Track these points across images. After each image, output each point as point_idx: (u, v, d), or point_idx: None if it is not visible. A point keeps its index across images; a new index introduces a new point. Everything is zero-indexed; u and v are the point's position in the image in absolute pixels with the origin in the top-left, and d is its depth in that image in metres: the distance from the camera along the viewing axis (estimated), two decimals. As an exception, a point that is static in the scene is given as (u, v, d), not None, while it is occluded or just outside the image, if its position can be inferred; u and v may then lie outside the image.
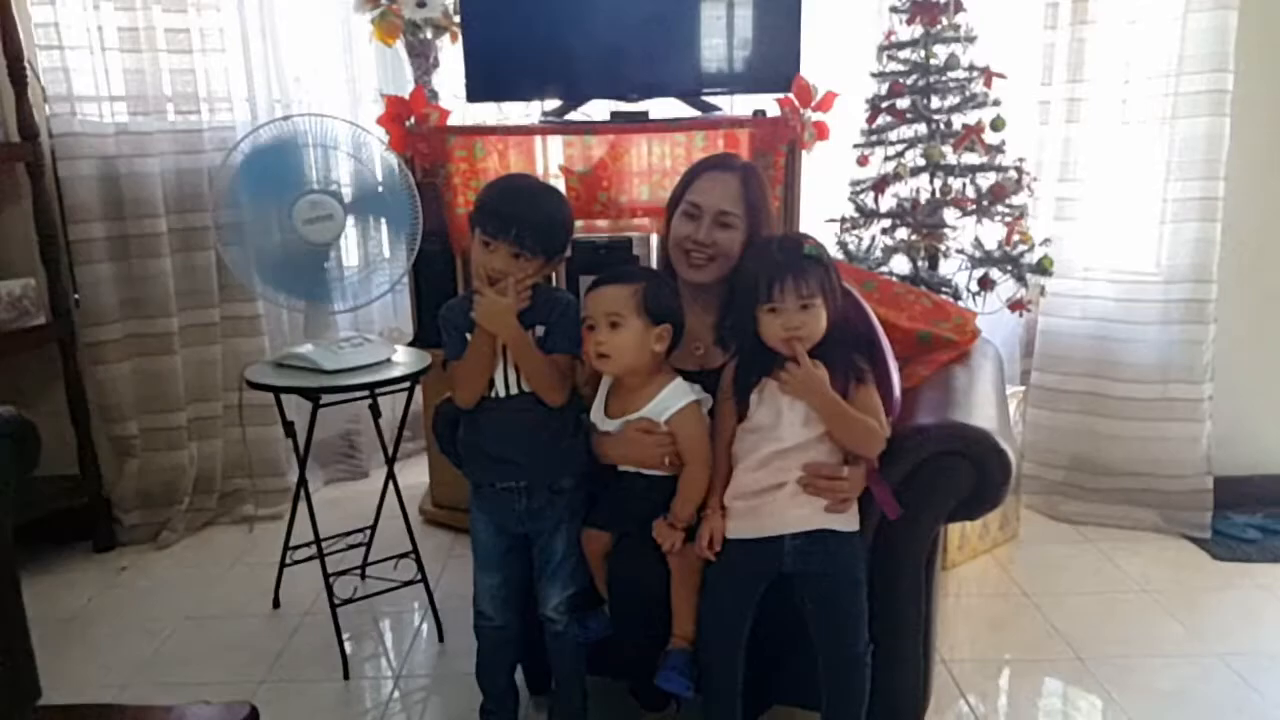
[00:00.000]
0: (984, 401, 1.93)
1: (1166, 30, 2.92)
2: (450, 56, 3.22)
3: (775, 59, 2.90)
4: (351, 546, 2.79)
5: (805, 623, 1.71)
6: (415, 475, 3.52)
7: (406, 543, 2.57)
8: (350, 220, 2.35)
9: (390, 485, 2.62)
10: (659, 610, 1.78)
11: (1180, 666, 2.31)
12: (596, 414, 1.84)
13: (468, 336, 1.80)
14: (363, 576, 2.73)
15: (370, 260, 2.40)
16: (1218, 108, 2.87)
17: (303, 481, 2.45)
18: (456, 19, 3.10)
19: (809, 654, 1.71)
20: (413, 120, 2.93)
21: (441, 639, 2.53)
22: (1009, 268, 2.80)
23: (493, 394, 1.82)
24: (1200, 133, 2.90)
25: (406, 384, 2.41)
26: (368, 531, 2.80)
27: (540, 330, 1.78)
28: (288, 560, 2.67)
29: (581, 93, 3.05)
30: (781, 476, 1.70)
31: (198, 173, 3.09)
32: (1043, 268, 2.79)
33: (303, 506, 2.45)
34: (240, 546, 3.13)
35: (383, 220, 2.38)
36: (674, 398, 1.76)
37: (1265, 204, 3.02)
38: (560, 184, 2.87)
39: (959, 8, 2.82)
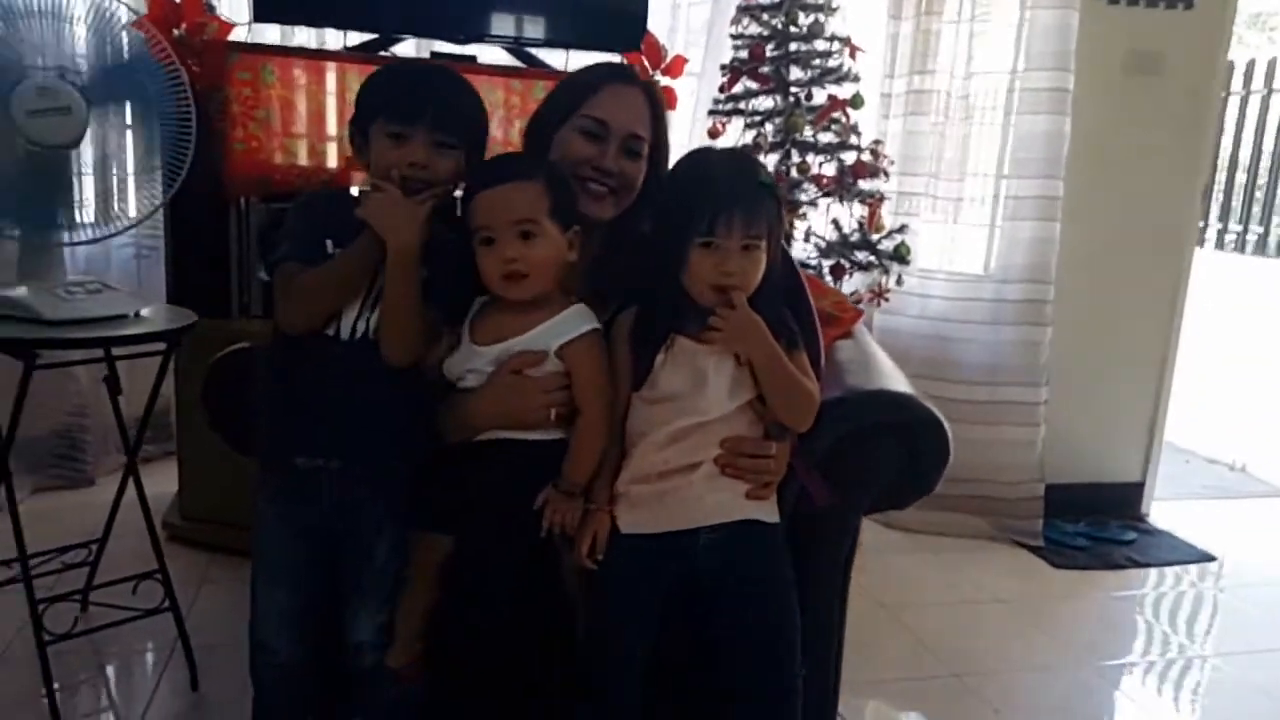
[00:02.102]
0: (892, 374, 1.66)
1: (1010, 27, 2.87)
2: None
3: (622, 13, 2.57)
4: (70, 567, 2.13)
5: (717, 642, 1.34)
6: (158, 484, 2.84)
7: (143, 564, 1.98)
8: (91, 121, 1.75)
9: (129, 484, 2.01)
10: (530, 649, 1.36)
11: (1059, 681, 2.17)
12: (460, 354, 1.38)
13: (329, 244, 1.33)
14: (84, 605, 2.08)
15: (117, 177, 1.81)
16: (1058, 106, 2.84)
17: (4, 474, 1.80)
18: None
19: (724, 683, 1.33)
20: (183, 29, 2.34)
21: (195, 686, 1.96)
22: (866, 254, 2.59)
23: (331, 332, 1.34)
24: (1040, 130, 2.86)
25: (161, 345, 1.84)
26: (93, 548, 2.15)
27: (422, 273, 1.33)
28: (-23, 585, 1.98)
29: (396, 25, 2.58)
30: (696, 455, 1.32)
31: None
32: (900, 255, 2.62)
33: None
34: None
35: (134, 117, 1.79)
36: (572, 322, 1.34)
37: (1103, 204, 3.01)
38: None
39: (822, -28, 2.62)
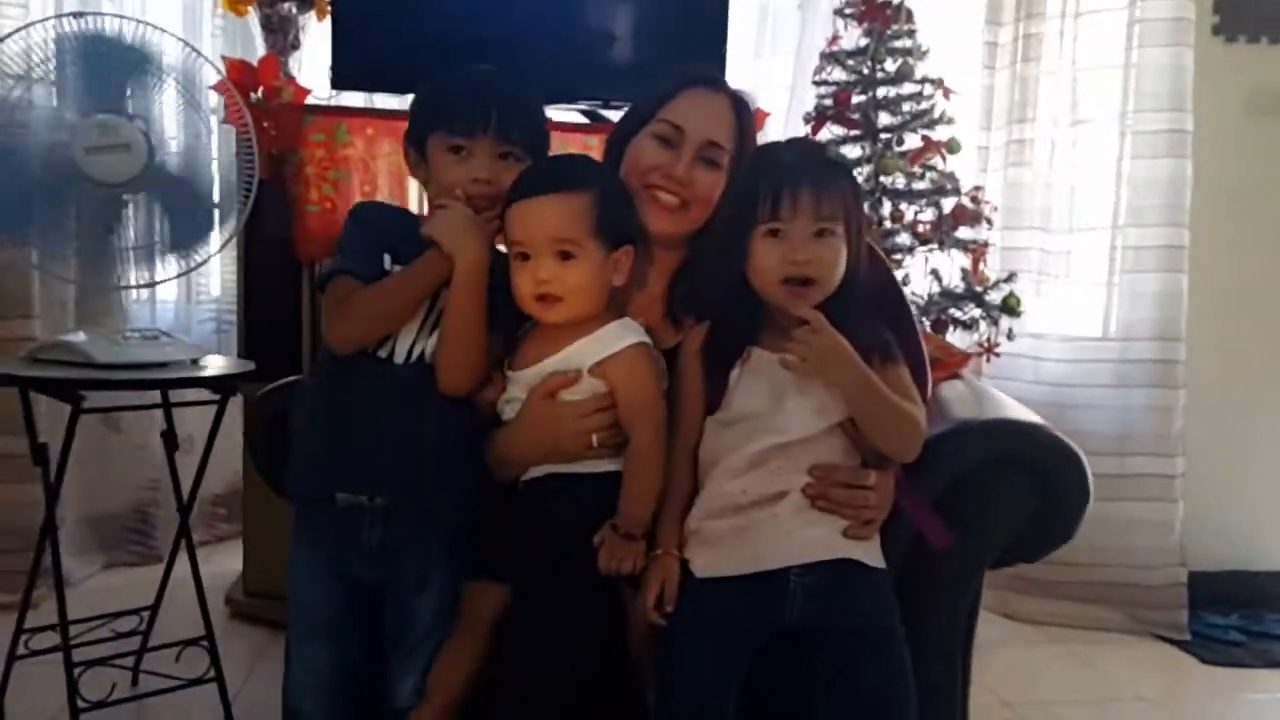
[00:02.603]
0: (1014, 406, 1.44)
1: (1115, 69, 2.69)
2: (315, 38, 2.67)
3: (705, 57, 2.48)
4: (121, 635, 2.01)
5: (815, 710, 1.11)
6: (225, 562, 2.77)
7: (196, 631, 1.85)
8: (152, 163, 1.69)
9: (183, 543, 1.90)
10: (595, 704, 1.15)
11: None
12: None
13: (386, 259, 1.23)
14: (135, 677, 1.95)
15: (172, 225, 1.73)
16: (1178, 149, 2.62)
17: (50, 529, 1.70)
18: (325, -5, 2.57)
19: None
20: (260, 93, 2.34)
21: (236, 762, 1.79)
22: (972, 306, 2.38)
23: (385, 354, 1.22)
24: (1159, 175, 2.63)
25: (216, 392, 1.74)
26: (144, 615, 2.03)
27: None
28: (21, 650, 1.86)
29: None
30: (781, 483, 1.13)
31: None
32: (1009, 307, 2.39)
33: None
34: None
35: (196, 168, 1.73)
36: (610, 339, 1.19)
37: (1234, 253, 2.74)
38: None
39: (910, 17, 2.49)
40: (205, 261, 1.85)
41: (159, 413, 1.90)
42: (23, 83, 1.61)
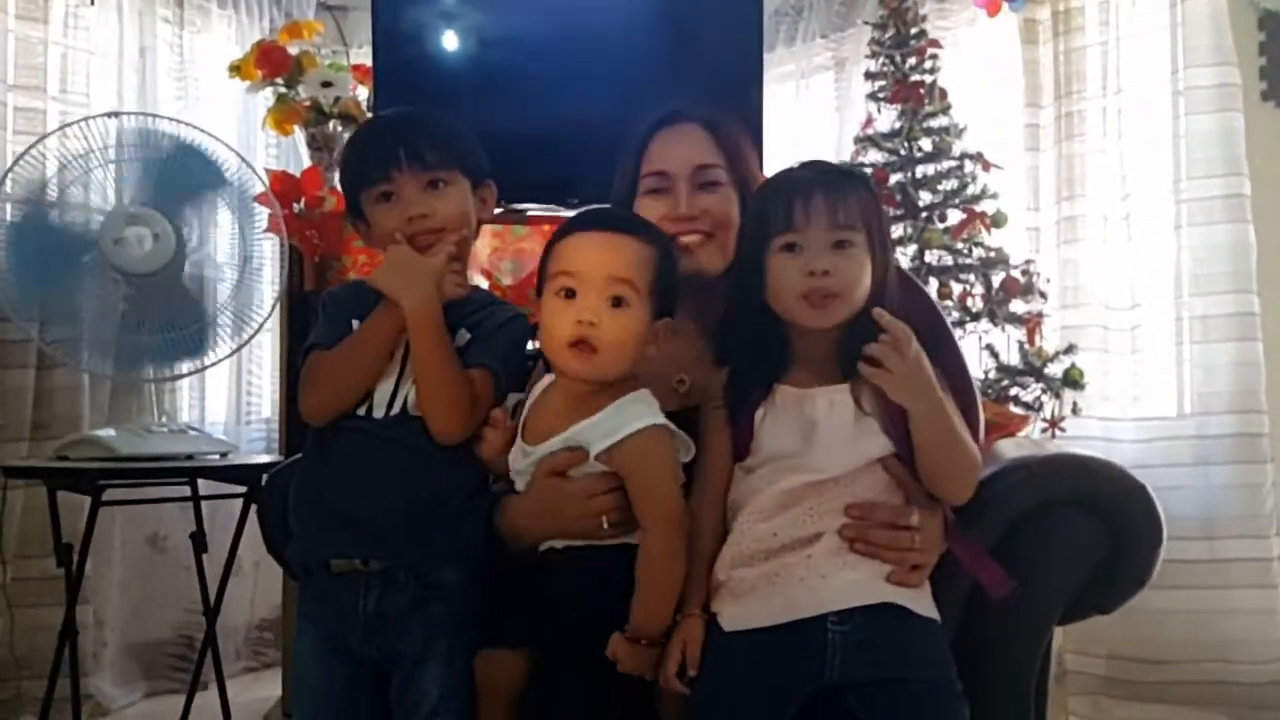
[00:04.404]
0: (1077, 451, 1.32)
1: (1164, 141, 2.63)
2: (357, 155, 2.75)
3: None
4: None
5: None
6: (269, 688, 2.68)
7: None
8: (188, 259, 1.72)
9: (209, 655, 1.82)
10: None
11: None
12: (513, 451, 1.17)
13: (354, 324, 1.19)
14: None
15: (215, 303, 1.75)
16: (1237, 213, 2.52)
17: (70, 631, 1.65)
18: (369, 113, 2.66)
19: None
20: (302, 203, 2.39)
21: None
22: (1033, 380, 2.27)
23: (364, 411, 1.17)
24: (1221, 241, 2.53)
25: (242, 487, 1.70)
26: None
27: (464, 337, 1.19)
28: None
29: (513, 195, 2.57)
30: (814, 524, 1.04)
31: None
32: (1073, 380, 2.27)
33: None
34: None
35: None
36: (624, 416, 1.09)
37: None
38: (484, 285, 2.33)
39: (944, 95, 2.48)
40: (233, 354, 1.85)
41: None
42: (80, 164, 1.66)
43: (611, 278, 1.08)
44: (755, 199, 1.15)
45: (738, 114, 2.22)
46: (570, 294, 1.09)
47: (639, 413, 1.09)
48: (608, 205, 1.28)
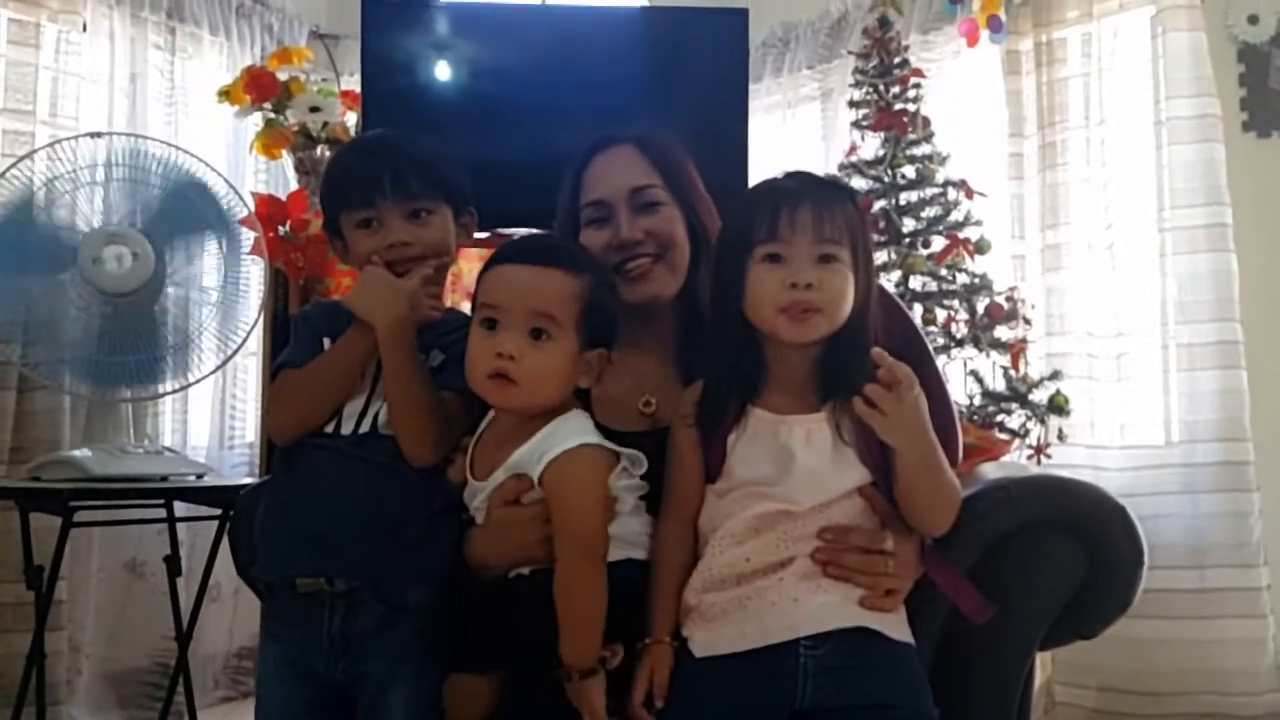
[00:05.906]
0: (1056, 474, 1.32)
1: (1146, 170, 2.65)
2: (344, 180, 2.76)
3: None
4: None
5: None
6: (246, 718, 2.63)
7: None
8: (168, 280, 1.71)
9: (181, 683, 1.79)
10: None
11: None
12: (466, 491, 1.16)
13: (325, 343, 1.19)
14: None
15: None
16: (1219, 242, 2.53)
17: (37, 657, 1.62)
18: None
19: None
20: (288, 226, 2.39)
21: None
22: (1018, 406, 2.26)
23: (332, 428, 1.15)
24: (1203, 270, 2.54)
25: (218, 509, 1.68)
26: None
27: (438, 358, 1.19)
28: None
29: (498, 222, 2.57)
30: (786, 549, 1.02)
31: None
32: (1057, 406, 2.27)
33: None
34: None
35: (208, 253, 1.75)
36: (553, 439, 1.07)
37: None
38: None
39: (927, 123, 2.49)
40: (210, 375, 1.84)
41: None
42: (67, 181, 1.65)
43: (532, 311, 1.08)
44: (738, 206, 1.13)
45: (716, 142, 2.26)
46: (492, 325, 1.09)
47: (567, 434, 1.08)
48: (541, 232, 1.26)
